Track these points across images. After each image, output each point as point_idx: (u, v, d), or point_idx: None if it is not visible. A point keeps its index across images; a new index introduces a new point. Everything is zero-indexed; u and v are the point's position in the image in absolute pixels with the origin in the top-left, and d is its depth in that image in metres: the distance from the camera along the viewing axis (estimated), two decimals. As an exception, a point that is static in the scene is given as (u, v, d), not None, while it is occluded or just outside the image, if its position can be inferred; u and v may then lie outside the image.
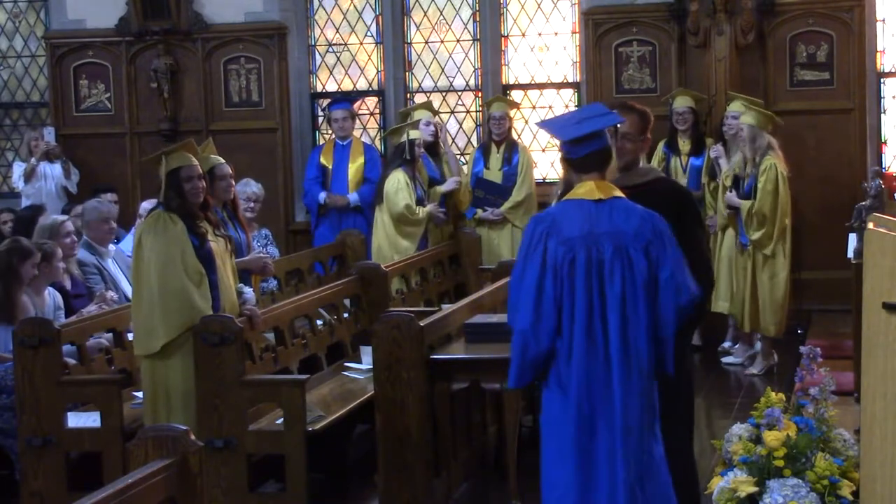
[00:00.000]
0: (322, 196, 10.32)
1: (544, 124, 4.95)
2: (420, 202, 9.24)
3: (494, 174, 10.25)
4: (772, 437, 4.34)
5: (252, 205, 8.49)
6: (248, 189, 8.52)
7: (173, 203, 6.07)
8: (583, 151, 4.45)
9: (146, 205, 8.63)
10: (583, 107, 4.94)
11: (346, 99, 11.07)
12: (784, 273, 8.90)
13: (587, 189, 4.45)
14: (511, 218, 10.13)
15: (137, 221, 8.68)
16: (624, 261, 4.36)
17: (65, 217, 7.88)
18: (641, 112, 5.12)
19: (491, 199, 10.15)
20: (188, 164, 6.14)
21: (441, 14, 11.55)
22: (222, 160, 6.92)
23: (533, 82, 11.40)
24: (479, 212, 10.14)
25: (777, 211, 8.78)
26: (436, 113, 10.64)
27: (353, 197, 10.25)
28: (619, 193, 4.49)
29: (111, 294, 7.46)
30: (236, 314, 6.14)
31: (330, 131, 11.00)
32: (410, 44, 11.64)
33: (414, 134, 9.27)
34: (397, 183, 9.11)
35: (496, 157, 10.26)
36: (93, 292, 7.53)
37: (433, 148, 9.96)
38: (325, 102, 11.53)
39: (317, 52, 11.77)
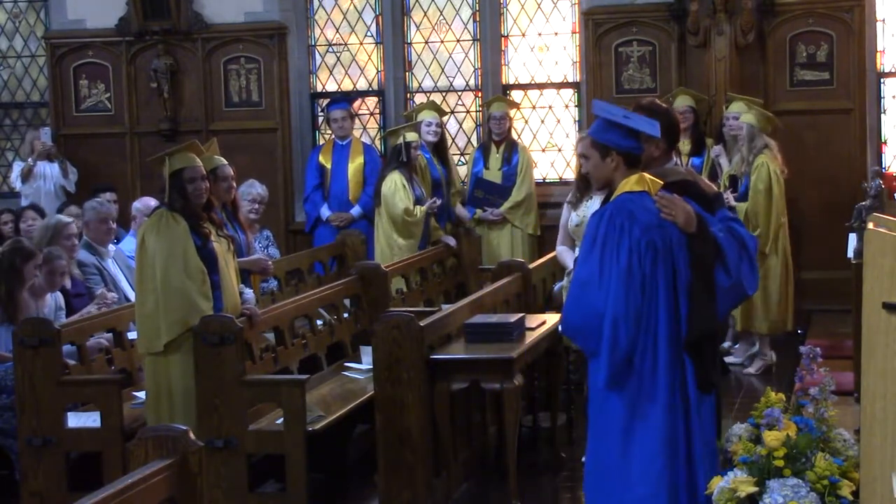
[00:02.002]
0: (326, 214, 10.31)
1: (626, 119, 4.70)
2: (419, 202, 9.24)
3: (494, 174, 10.25)
4: (772, 437, 4.33)
5: (257, 206, 8.48)
6: (253, 190, 8.51)
7: (177, 203, 6.08)
8: (643, 147, 4.64)
9: (137, 204, 8.64)
10: (611, 106, 4.88)
11: (344, 99, 11.07)
12: (778, 271, 8.88)
13: (643, 181, 4.59)
14: (511, 218, 10.13)
15: (132, 222, 8.72)
16: (686, 247, 4.54)
17: (69, 219, 7.85)
18: (660, 113, 4.96)
19: (491, 199, 10.14)
20: (192, 164, 6.14)
21: (441, 14, 11.55)
22: (225, 161, 6.94)
23: (533, 82, 11.40)
24: (479, 212, 10.14)
25: (771, 210, 8.76)
26: (443, 113, 10.61)
27: (355, 210, 10.24)
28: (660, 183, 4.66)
29: (112, 295, 7.47)
30: (238, 314, 6.15)
31: (329, 131, 11.00)
32: (410, 44, 11.64)
33: (410, 136, 9.27)
34: (394, 185, 9.12)
35: (496, 157, 10.26)
36: (93, 292, 7.53)
37: (439, 148, 9.97)
38: (325, 102, 11.54)
39: (317, 52, 11.77)
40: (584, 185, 6.70)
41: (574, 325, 4.62)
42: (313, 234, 10.51)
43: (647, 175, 4.62)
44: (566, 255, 6.89)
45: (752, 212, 8.70)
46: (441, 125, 10.10)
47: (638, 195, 4.57)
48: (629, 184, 4.58)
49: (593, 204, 6.38)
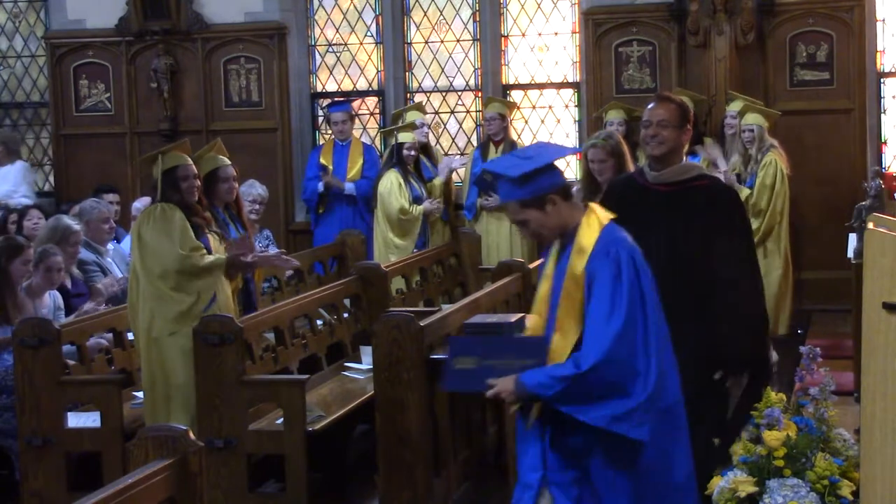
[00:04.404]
0: (320, 185, 10.32)
1: (540, 158, 4.27)
2: (417, 201, 9.24)
3: (494, 174, 10.23)
4: (772, 437, 4.33)
5: (257, 206, 8.49)
6: (254, 191, 8.51)
7: (173, 198, 6.13)
8: (562, 177, 4.24)
9: (137, 204, 8.65)
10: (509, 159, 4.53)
11: (345, 101, 11.06)
12: (778, 272, 8.87)
13: (598, 216, 4.17)
14: (509, 210, 10.11)
15: (132, 222, 8.71)
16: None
17: (77, 226, 7.79)
18: (679, 102, 5.07)
19: (497, 185, 10.11)
20: (185, 163, 6.21)
21: (441, 14, 11.56)
22: (228, 161, 6.93)
23: (533, 82, 11.40)
24: (480, 201, 10.15)
25: (772, 205, 8.77)
26: (435, 112, 10.63)
27: (349, 186, 10.25)
28: None
29: (107, 280, 7.49)
30: (231, 310, 6.18)
31: (330, 131, 11.01)
32: (410, 44, 11.65)
33: (403, 137, 9.27)
34: (390, 185, 9.14)
35: (495, 157, 10.26)
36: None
37: (426, 149, 9.96)
38: (326, 103, 11.54)
39: (317, 52, 11.78)
40: (592, 185, 6.54)
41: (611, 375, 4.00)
42: (313, 234, 10.52)
43: (594, 207, 4.20)
44: None
45: (756, 206, 8.72)
46: (427, 125, 10.09)
47: (615, 224, 4.16)
48: (593, 228, 4.11)
49: None
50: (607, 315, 3.98)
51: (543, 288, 4.29)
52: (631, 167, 6.46)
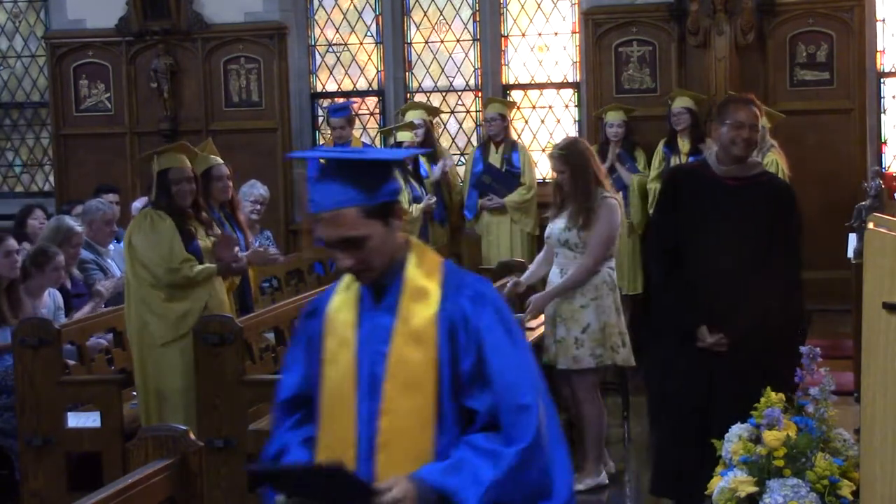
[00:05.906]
0: None
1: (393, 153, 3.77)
2: (416, 201, 9.24)
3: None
4: (772, 437, 4.32)
5: (259, 207, 8.47)
6: (255, 191, 8.50)
7: (162, 202, 6.14)
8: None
9: (137, 204, 8.65)
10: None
11: (343, 105, 11.02)
12: None
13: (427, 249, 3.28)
14: (511, 213, 10.09)
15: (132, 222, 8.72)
16: None
17: (79, 228, 7.77)
18: (757, 103, 5.46)
19: (497, 187, 10.12)
20: (178, 166, 6.20)
21: (441, 14, 11.56)
22: (220, 161, 6.92)
23: (533, 82, 11.40)
24: (482, 201, 10.14)
25: None
26: (436, 112, 10.60)
27: None
28: None
29: (106, 283, 7.48)
30: (227, 311, 6.19)
31: (329, 131, 11.01)
32: (410, 44, 11.64)
33: (401, 136, 9.28)
34: None
35: (495, 157, 10.25)
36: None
37: (425, 147, 9.95)
38: (326, 103, 11.53)
39: (317, 52, 11.78)
40: (560, 195, 6.73)
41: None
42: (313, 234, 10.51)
43: (417, 240, 3.21)
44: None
45: None
46: (425, 124, 10.04)
47: (450, 264, 3.17)
48: (431, 265, 3.10)
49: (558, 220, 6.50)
50: (522, 372, 3.03)
51: (344, 360, 3.04)
52: (600, 172, 6.68)
